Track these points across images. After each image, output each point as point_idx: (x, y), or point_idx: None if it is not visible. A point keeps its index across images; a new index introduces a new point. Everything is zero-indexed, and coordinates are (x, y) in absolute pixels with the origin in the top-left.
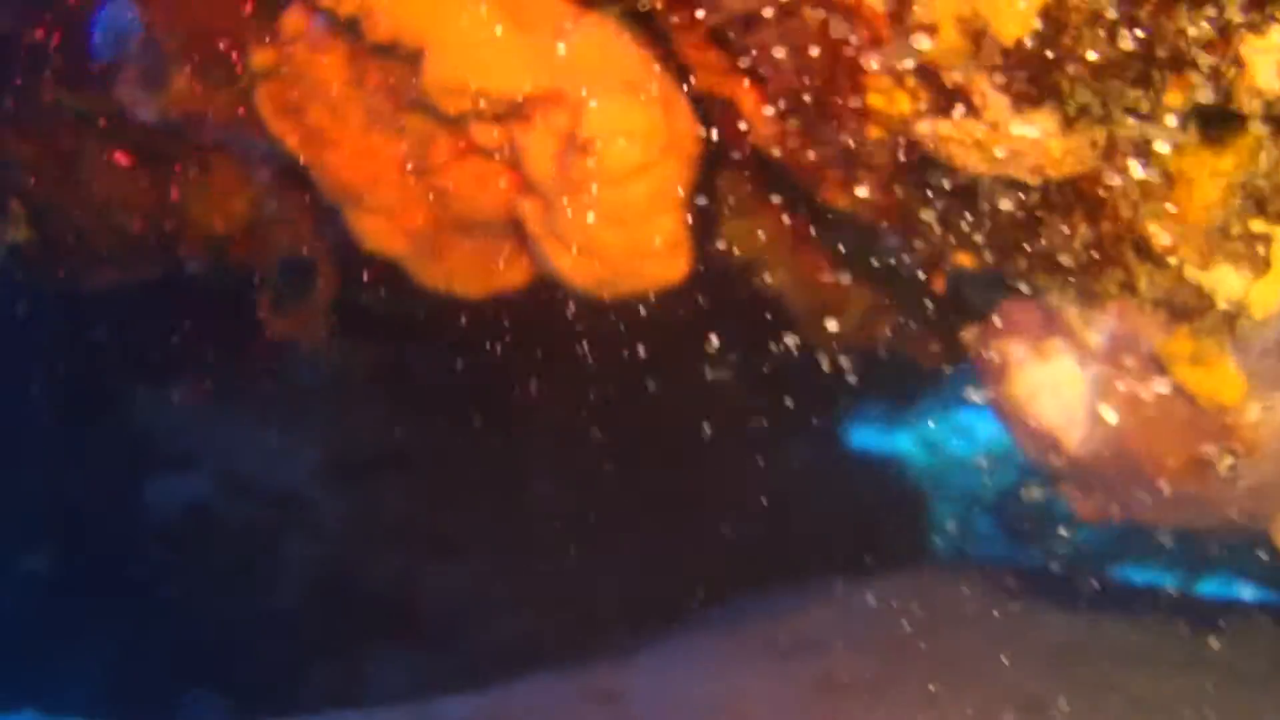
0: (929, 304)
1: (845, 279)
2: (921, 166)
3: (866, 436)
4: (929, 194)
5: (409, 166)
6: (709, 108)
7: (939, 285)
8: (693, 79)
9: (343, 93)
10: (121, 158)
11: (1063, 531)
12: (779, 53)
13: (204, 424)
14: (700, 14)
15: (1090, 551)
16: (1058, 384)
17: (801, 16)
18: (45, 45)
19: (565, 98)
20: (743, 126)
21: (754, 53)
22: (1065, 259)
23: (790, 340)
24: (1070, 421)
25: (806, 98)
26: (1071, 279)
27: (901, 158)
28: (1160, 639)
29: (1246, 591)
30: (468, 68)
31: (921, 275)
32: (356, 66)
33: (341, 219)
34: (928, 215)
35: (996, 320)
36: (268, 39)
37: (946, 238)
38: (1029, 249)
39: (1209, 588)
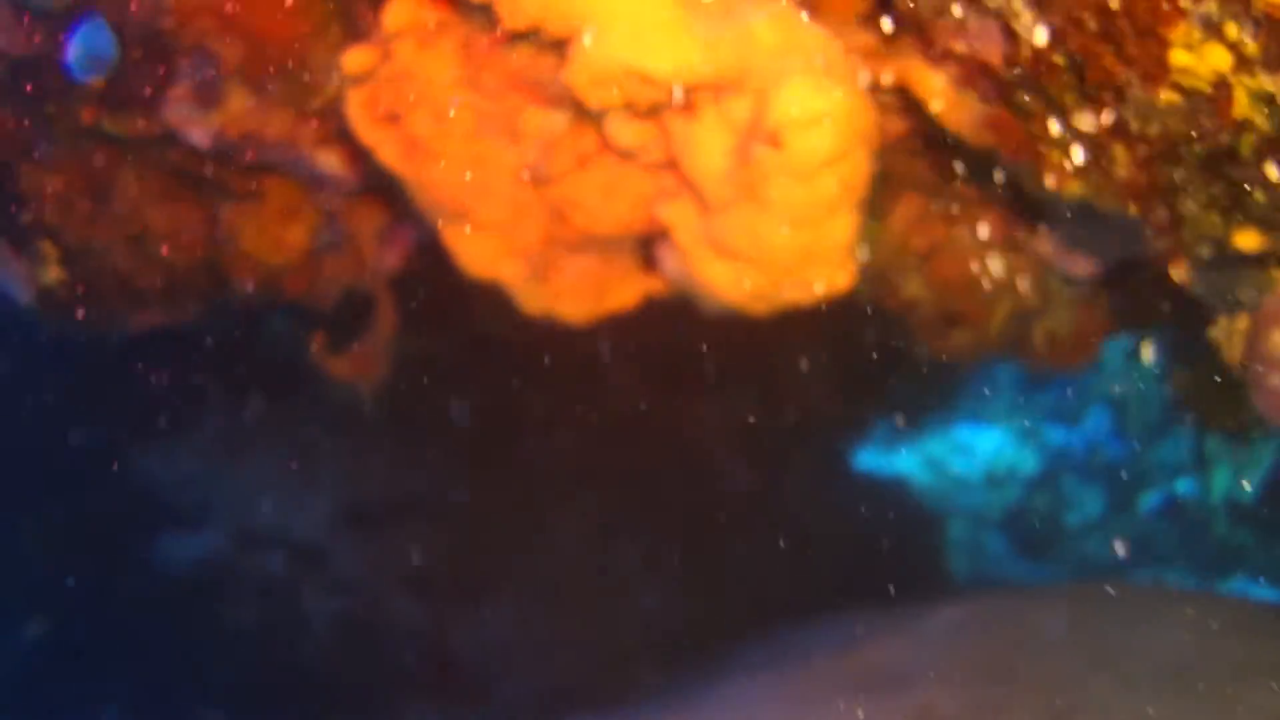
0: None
1: (990, 284)
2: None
3: (869, 458)
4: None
5: (525, 176)
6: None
7: (1179, 274)
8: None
9: (452, 94)
10: (164, 186)
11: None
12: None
13: (215, 476)
14: None
15: (1103, 561)
16: None
17: None
18: None
19: (745, 83)
20: (934, 108)
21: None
22: None
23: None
24: None
25: (1059, 60)
26: None
27: (1179, 126)
28: (1260, 647)
29: (1262, 592)
30: (632, 51)
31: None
32: (471, 63)
33: (403, 244)
34: (1194, 191)
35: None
36: (363, 38)
37: (1216, 217)
38: None
39: (1233, 588)
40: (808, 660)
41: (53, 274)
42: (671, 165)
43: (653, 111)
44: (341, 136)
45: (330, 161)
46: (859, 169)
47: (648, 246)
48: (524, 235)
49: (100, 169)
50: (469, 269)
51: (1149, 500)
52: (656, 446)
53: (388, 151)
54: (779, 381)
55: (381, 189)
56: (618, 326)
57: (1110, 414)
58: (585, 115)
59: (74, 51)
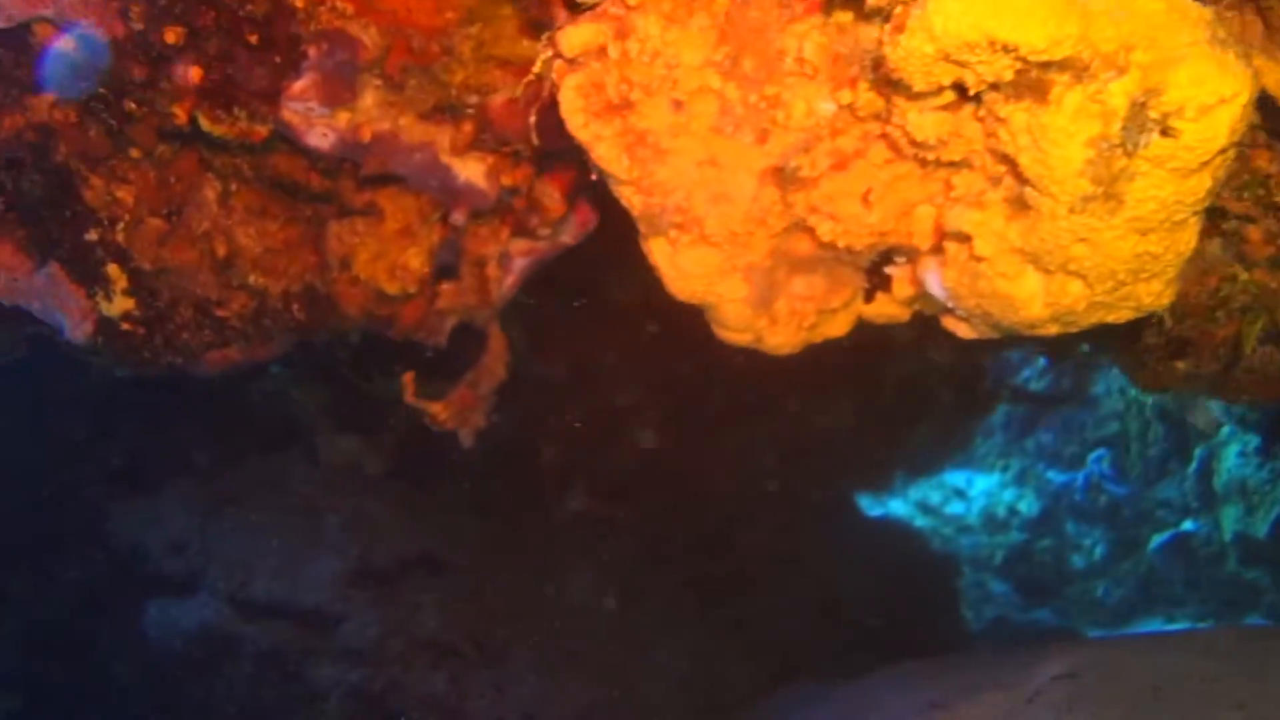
0: None
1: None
2: None
3: (867, 503)
4: None
5: (773, 179)
6: None
7: None
8: None
9: (700, 81)
10: (258, 200)
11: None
12: None
13: (207, 536)
14: None
15: (1111, 605)
16: None
17: None
18: (179, 52)
19: (1126, 59)
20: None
21: None
22: None
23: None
24: None
25: None
26: None
27: None
28: None
29: None
30: (998, 18)
31: None
32: (733, 40)
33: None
34: None
35: None
36: (585, 11)
37: None
38: None
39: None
40: None
41: (119, 305)
42: (966, 164)
43: (973, 97)
44: (484, 143)
45: (473, 172)
46: (1228, 167)
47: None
48: (753, 250)
49: (179, 179)
50: (679, 288)
51: (1156, 540)
52: (674, 497)
53: (606, 148)
54: (801, 427)
55: (508, 206)
56: (643, 371)
57: (1110, 453)
58: (855, 107)
59: (49, 64)
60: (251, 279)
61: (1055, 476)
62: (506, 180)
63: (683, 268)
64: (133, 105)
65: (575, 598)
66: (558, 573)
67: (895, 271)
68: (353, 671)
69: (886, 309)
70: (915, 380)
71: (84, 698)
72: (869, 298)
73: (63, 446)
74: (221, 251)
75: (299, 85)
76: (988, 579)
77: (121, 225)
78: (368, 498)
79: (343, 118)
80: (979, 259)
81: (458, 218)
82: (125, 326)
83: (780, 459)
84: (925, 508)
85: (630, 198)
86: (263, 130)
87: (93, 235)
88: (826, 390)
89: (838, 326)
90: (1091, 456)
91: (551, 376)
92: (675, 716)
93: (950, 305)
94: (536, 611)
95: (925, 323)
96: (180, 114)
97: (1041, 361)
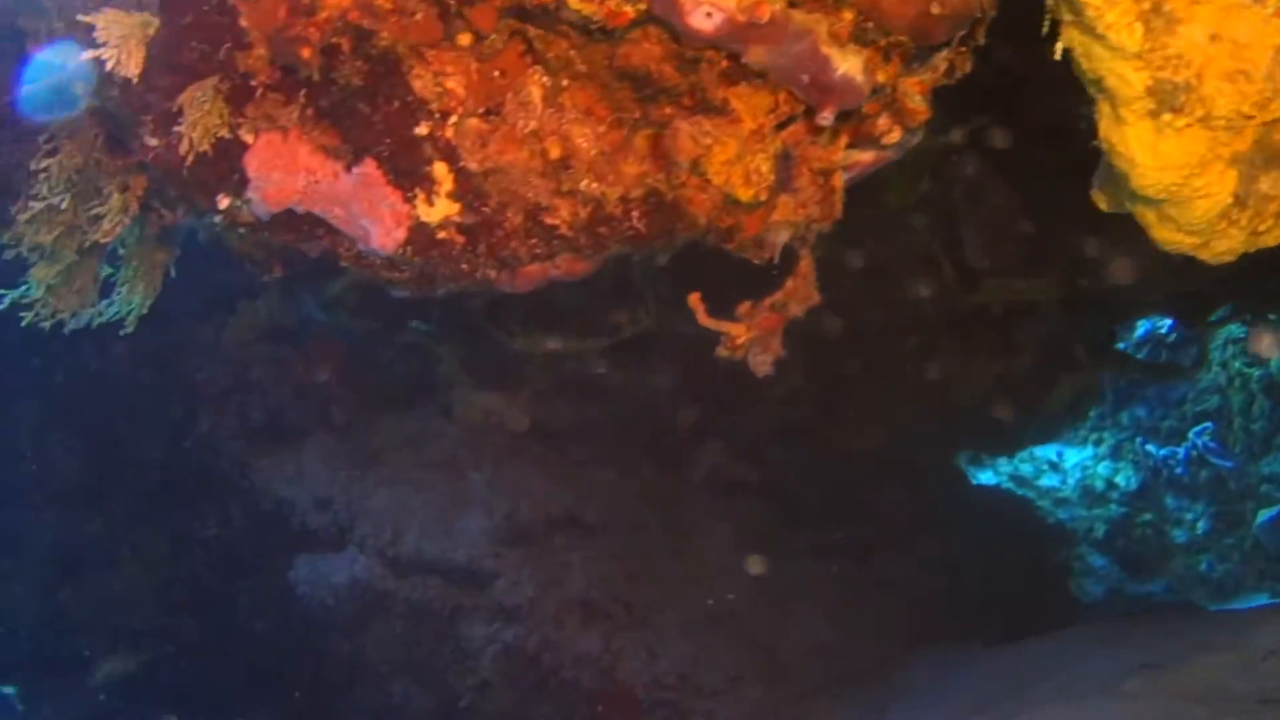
0: None
1: None
2: None
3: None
4: None
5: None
6: None
7: None
8: None
9: None
10: (595, 94)
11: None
12: None
13: (352, 492)
14: None
15: (1215, 580)
16: None
17: None
18: None
19: None
20: None
21: None
22: None
23: None
24: None
25: None
26: None
27: None
28: None
29: None
30: None
31: None
32: None
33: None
34: None
35: None
36: None
37: None
38: None
39: None
40: (1105, 686)
41: (440, 209)
42: None
43: None
44: (865, 33)
45: (851, 65)
46: None
47: None
48: (1242, 138)
49: (503, 73)
50: (1152, 178)
51: (1263, 516)
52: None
53: (1117, 15)
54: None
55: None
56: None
57: (1213, 427)
58: None
59: (28, 85)
60: (584, 184)
61: (1154, 450)
62: (881, 76)
63: (1165, 154)
64: None
65: (713, 559)
66: (695, 533)
67: None
68: (506, 630)
69: None
70: (1055, 342)
71: (224, 654)
72: None
73: (202, 397)
74: (555, 153)
75: None
76: (1088, 552)
77: (453, 120)
78: (507, 454)
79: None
80: None
81: (825, 116)
82: (442, 235)
83: (914, 420)
84: (1018, 479)
85: (1129, 75)
86: (630, 11)
87: (423, 129)
88: (967, 353)
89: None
90: (1194, 430)
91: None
92: (817, 681)
93: None
94: (678, 572)
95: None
96: None
97: (1165, 327)
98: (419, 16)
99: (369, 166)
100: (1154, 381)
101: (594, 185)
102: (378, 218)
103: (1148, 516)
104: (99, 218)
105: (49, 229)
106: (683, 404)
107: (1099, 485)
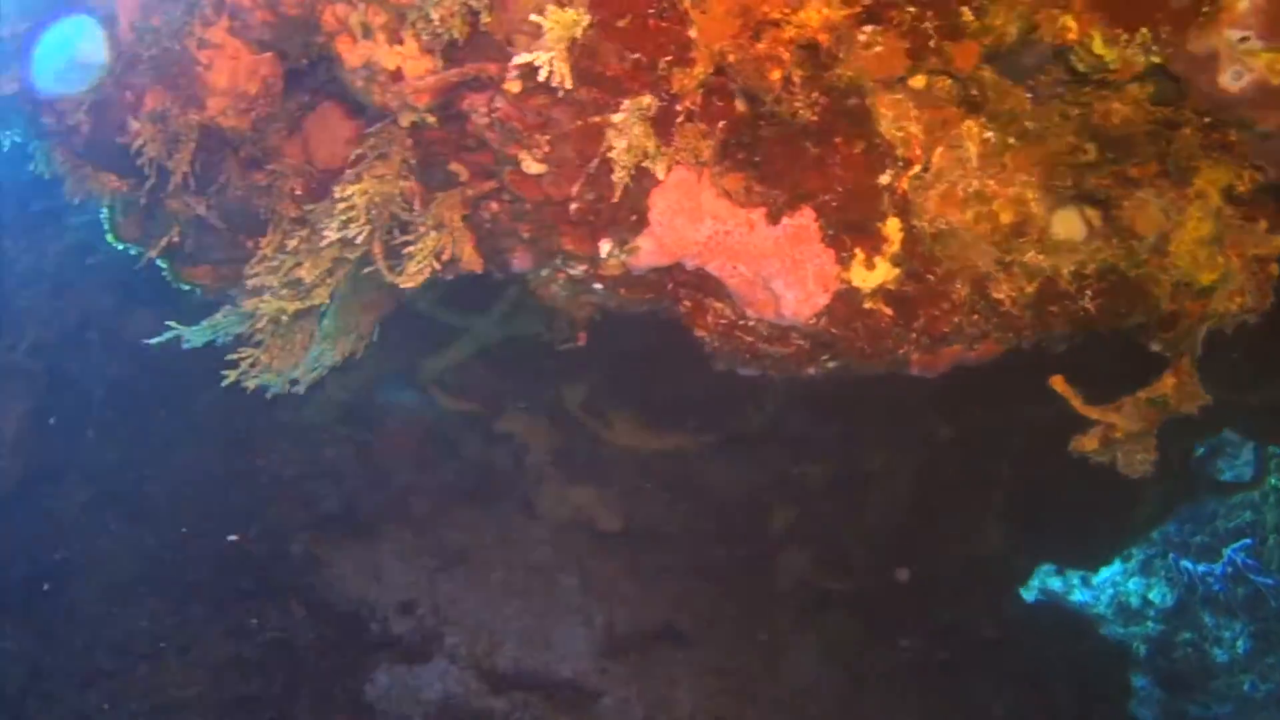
0: None
1: None
2: None
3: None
4: None
5: None
6: None
7: None
8: None
9: None
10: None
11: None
12: None
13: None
14: None
15: (1259, 699)
16: None
17: None
18: None
19: None
20: None
21: None
22: None
23: None
24: None
25: None
26: None
27: None
28: None
29: None
30: None
31: None
32: None
33: None
34: None
35: None
36: None
37: None
38: None
39: None
40: None
41: (880, 273)
42: None
43: None
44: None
45: None
46: None
47: None
48: None
49: (945, 124)
50: None
51: None
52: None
53: None
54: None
55: None
56: None
57: (1251, 542)
58: None
59: (41, 60)
60: (1029, 255)
61: (1190, 565)
62: None
63: None
64: (967, 10)
65: (803, 674)
66: (785, 646)
67: None
68: None
69: None
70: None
71: None
72: None
73: (270, 482)
74: (1006, 218)
75: (1241, 8)
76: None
77: (914, 170)
78: (596, 557)
79: (1264, 59)
80: None
81: None
82: (869, 305)
83: (1002, 536)
84: (1048, 593)
85: None
86: (1142, 62)
87: (885, 178)
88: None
89: None
90: (1231, 547)
91: (799, 432)
92: None
93: None
94: (775, 689)
95: None
96: (1071, 28)
97: (1247, 450)
98: (879, 49)
99: (805, 217)
100: (1215, 496)
101: (1041, 257)
102: (796, 279)
103: (1187, 635)
104: (407, 257)
105: (315, 265)
106: (779, 506)
107: (1134, 602)
